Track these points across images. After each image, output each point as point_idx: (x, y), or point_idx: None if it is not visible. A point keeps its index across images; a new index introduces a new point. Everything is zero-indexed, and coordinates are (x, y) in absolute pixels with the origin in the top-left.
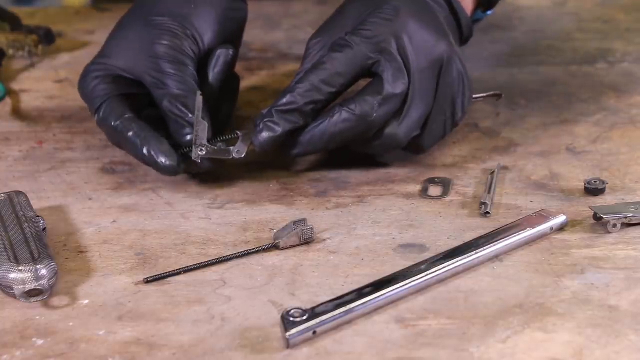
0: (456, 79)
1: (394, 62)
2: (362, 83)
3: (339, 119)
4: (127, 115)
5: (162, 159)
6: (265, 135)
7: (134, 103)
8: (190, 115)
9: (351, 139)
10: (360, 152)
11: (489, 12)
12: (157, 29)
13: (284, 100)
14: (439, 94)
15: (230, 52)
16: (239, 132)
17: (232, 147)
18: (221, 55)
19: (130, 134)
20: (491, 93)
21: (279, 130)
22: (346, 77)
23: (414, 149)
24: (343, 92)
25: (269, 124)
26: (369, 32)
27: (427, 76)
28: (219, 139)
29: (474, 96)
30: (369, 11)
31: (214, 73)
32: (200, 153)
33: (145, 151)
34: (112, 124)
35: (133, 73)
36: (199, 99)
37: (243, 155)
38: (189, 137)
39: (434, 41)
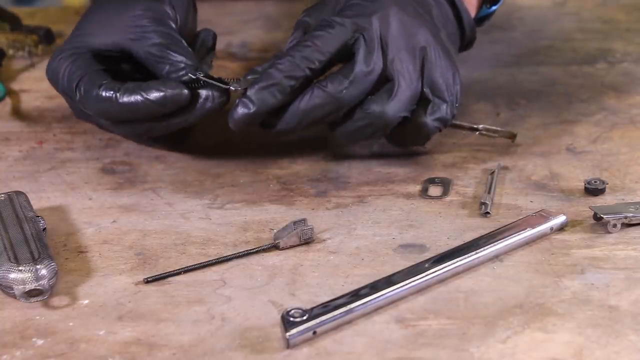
0: (444, 69)
1: (369, 42)
2: None
3: (311, 96)
4: (110, 80)
5: (177, 90)
6: (240, 111)
7: (114, 77)
8: (181, 57)
9: (325, 116)
10: (356, 142)
11: (494, 7)
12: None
13: (263, 77)
14: (428, 78)
15: (212, 33)
16: (239, 78)
17: (230, 80)
18: (208, 37)
19: (121, 91)
20: (506, 131)
21: (252, 108)
22: (325, 54)
23: (415, 133)
24: (323, 69)
25: (245, 100)
26: (350, 13)
27: (409, 58)
28: (218, 77)
29: (489, 128)
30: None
31: (200, 53)
32: (198, 74)
33: (154, 95)
34: (99, 92)
35: (111, 43)
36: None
37: (239, 89)
38: (183, 71)
39: (416, 27)
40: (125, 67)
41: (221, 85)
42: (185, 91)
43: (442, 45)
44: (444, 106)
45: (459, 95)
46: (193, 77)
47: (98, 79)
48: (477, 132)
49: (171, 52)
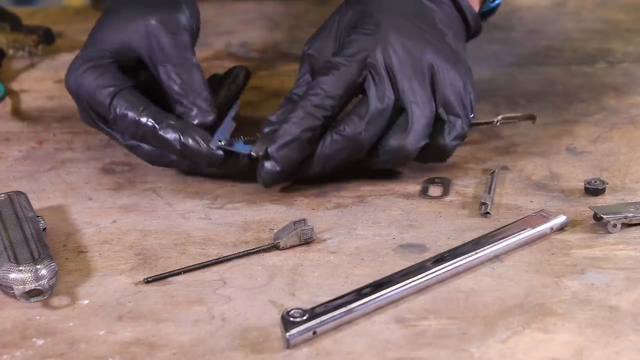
0: (454, 80)
1: (378, 78)
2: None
3: (331, 141)
4: (150, 107)
5: (211, 146)
6: (266, 172)
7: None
8: (199, 104)
9: (348, 158)
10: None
11: (497, 1)
12: (149, 6)
13: (282, 134)
14: (440, 97)
15: (246, 71)
16: (258, 135)
17: (250, 146)
18: (240, 74)
19: (163, 125)
20: (525, 114)
21: (278, 167)
22: (337, 98)
23: (436, 153)
24: (338, 113)
25: (269, 165)
26: (352, 50)
27: (419, 84)
28: (237, 139)
29: (507, 116)
30: (352, 23)
31: (230, 88)
32: (219, 143)
33: (190, 141)
34: (139, 117)
35: (130, 51)
36: (237, 103)
37: (261, 154)
38: (211, 118)
39: (420, 47)
40: (143, 75)
41: (243, 152)
42: (221, 153)
43: (449, 56)
44: (459, 122)
45: (473, 103)
46: (220, 143)
47: (136, 101)
48: (497, 124)
49: (188, 95)
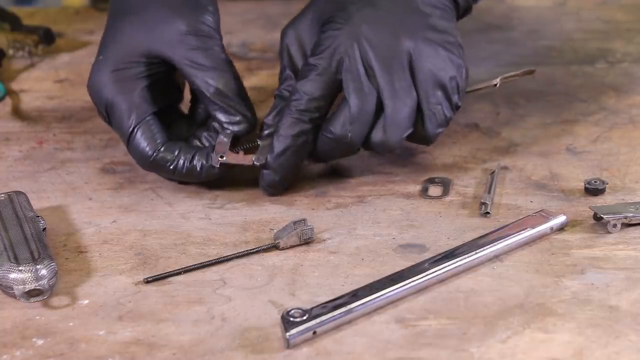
0: (435, 65)
1: (355, 75)
2: None
3: (322, 143)
4: (167, 144)
5: (209, 163)
6: (267, 181)
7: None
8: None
9: (345, 154)
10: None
11: None
12: (174, 9)
13: (275, 143)
14: (419, 85)
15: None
16: (259, 141)
17: (252, 155)
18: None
19: (171, 158)
20: (523, 71)
21: (277, 176)
22: (321, 99)
23: (421, 140)
24: (327, 110)
25: (268, 171)
26: (326, 49)
27: (397, 74)
28: (239, 148)
29: (506, 75)
30: (326, 15)
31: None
32: (220, 159)
33: (195, 163)
34: (155, 155)
35: (162, 55)
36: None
37: (264, 162)
38: (247, 125)
39: (395, 39)
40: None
41: (245, 163)
42: (217, 172)
43: (432, 40)
44: (439, 109)
45: (461, 84)
46: (221, 160)
47: (158, 134)
48: (497, 85)
49: (226, 101)
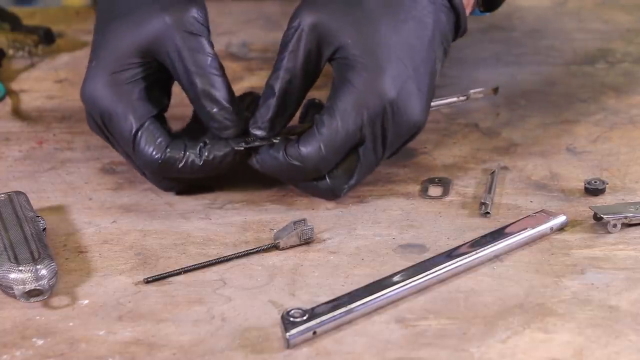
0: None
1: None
2: None
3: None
4: (172, 144)
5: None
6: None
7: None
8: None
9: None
10: None
11: (487, 13)
12: (160, 3)
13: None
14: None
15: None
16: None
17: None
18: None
19: (182, 157)
20: (492, 88)
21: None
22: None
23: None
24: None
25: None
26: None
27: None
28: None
29: (472, 91)
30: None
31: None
32: (244, 145)
33: (207, 156)
34: (163, 156)
35: (149, 56)
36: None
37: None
38: (230, 132)
39: (333, 31)
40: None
41: (265, 143)
42: (232, 160)
43: (365, 41)
44: (372, 147)
45: (389, 131)
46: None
47: (161, 136)
48: (467, 99)
49: (209, 105)
